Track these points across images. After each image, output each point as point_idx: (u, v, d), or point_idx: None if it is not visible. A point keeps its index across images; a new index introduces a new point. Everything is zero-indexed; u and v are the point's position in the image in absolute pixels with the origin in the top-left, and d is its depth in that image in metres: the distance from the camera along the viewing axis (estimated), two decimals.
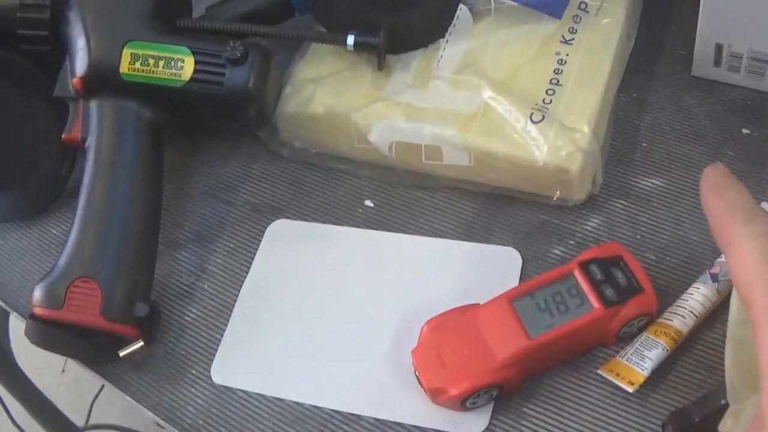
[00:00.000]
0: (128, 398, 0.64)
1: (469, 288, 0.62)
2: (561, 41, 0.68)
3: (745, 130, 0.68)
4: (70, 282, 0.62)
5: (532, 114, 0.64)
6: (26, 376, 1.19)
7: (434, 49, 0.70)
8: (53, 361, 1.60)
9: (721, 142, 0.67)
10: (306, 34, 0.71)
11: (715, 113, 0.69)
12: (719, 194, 0.42)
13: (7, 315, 1.09)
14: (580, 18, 0.69)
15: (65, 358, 1.10)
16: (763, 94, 0.69)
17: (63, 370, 1.68)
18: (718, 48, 0.68)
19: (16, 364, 1.17)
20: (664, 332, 0.56)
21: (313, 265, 0.67)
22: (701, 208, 0.62)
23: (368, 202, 0.70)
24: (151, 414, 0.63)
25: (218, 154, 0.77)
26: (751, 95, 0.70)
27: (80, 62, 0.68)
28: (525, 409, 0.58)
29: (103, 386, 1.55)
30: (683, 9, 0.76)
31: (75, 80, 0.68)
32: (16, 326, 0.68)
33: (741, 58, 0.67)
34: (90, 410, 1.56)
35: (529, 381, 0.58)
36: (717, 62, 0.69)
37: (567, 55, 0.67)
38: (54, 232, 0.74)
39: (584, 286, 0.57)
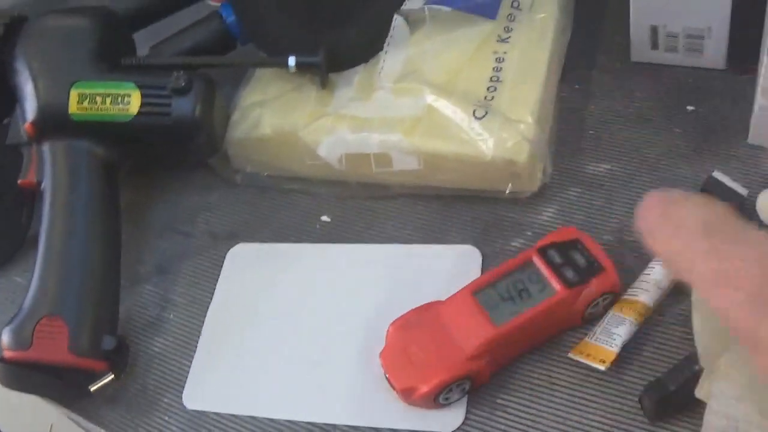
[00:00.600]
0: None
1: (433, 288, 0.61)
2: (498, 40, 0.68)
3: (689, 107, 0.68)
4: (36, 321, 0.61)
5: (474, 111, 0.63)
6: None
7: (374, 62, 0.70)
8: (39, 424, 1.57)
9: (667, 122, 0.67)
10: (248, 60, 0.72)
11: (659, 94, 0.69)
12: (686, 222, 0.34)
13: None
14: (515, 16, 0.70)
15: (51, 422, 1.08)
16: (702, 70, 0.69)
17: None
18: (653, 30, 0.68)
19: None
20: (631, 307, 0.55)
21: (276, 283, 0.66)
22: (655, 186, 0.63)
23: (325, 218, 0.70)
24: None
25: (174, 189, 0.76)
26: (692, 73, 0.70)
27: (30, 107, 0.68)
28: (499, 400, 0.56)
29: None
30: None
31: (27, 125, 0.68)
32: None
33: (677, 37, 0.68)
34: None
35: (501, 371, 0.57)
36: (654, 45, 0.69)
37: (505, 52, 0.67)
38: (19, 280, 0.74)
39: (544, 270, 0.57)
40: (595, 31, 0.75)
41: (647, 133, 0.67)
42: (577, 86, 0.72)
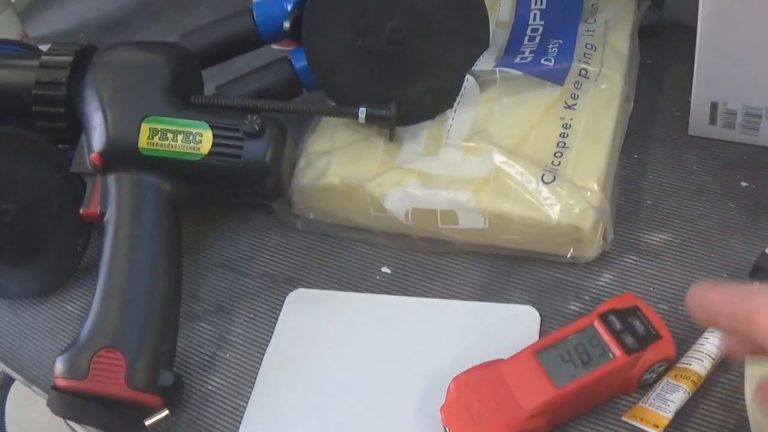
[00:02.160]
0: None
1: (491, 346, 0.67)
2: (564, 106, 0.75)
3: (743, 183, 0.75)
4: (94, 352, 0.66)
5: (543, 175, 0.70)
6: None
7: (443, 119, 0.77)
8: None
9: (722, 196, 0.75)
10: (319, 109, 0.78)
11: (714, 169, 0.77)
12: (711, 292, 0.50)
13: (3, 402, 1.13)
14: (581, 84, 0.77)
15: None
16: (758, 148, 0.77)
17: None
18: (713, 106, 0.75)
19: None
20: (684, 376, 0.62)
21: (335, 331, 0.72)
22: (708, 258, 0.70)
23: (385, 269, 0.76)
24: None
25: (231, 228, 0.82)
26: (747, 150, 0.77)
27: (98, 138, 0.73)
28: None
29: None
30: (676, 71, 0.85)
31: (93, 155, 0.73)
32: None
33: (735, 114, 0.75)
34: None
35: (556, 431, 0.63)
36: (712, 120, 0.77)
37: (571, 119, 0.74)
38: (69, 308, 0.79)
39: (605, 336, 0.63)
40: (655, 103, 0.83)
41: (702, 206, 0.75)
42: (635, 156, 0.79)
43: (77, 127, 0.77)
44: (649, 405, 0.62)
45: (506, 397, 0.62)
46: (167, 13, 1.14)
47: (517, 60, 0.79)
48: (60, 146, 0.81)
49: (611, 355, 0.62)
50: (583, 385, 0.61)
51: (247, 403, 0.69)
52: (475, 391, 0.63)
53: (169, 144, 0.73)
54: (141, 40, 1.06)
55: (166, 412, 0.67)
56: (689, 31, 0.73)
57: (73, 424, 0.76)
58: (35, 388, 0.74)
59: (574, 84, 0.77)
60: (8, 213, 0.77)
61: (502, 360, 0.64)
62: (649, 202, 0.76)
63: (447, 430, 0.63)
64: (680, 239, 0.73)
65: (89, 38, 0.83)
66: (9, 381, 1.07)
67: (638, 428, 0.61)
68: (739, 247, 0.71)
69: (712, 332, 0.64)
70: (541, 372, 0.62)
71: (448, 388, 0.64)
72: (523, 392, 0.62)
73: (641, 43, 0.85)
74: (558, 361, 0.63)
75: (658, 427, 0.60)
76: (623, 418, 0.62)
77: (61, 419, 0.69)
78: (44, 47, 0.81)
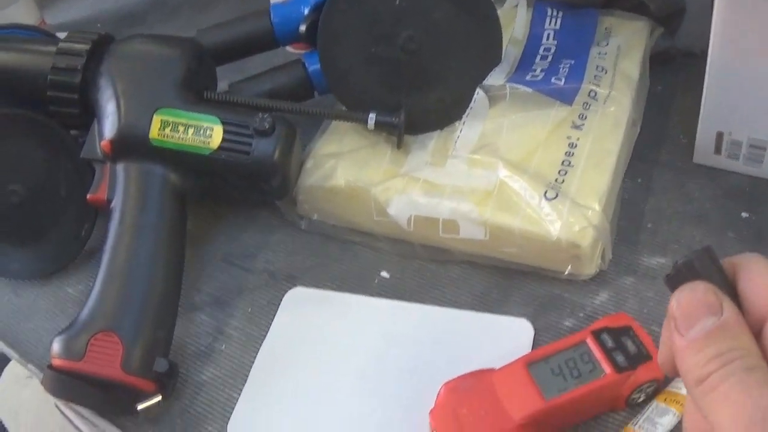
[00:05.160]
0: None
1: (484, 356, 0.69)
2: (572, 126, 0.78)
3: (744, 214, 0.77)
4: (91, 335, 0.69)
5: (546, 191, 0.72)
6: None
7: (451, 130, 0.80)
8: None
9: (722, 225, 0.77)
10: (329, 112, 0.81)
11: (716, 198, 0.79)
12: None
13: None
14: (590, 105, 0.79)
15: None
16: (760, 179, 0.79)
17: None
18: (719, 136, 0.78)
19: None
20: (674, 399, 0.64)
21: (330, 331, 0.75)
22: None
23: (384, 273, 0.78)
24: None
25: (236, 224, 0.85)
26: (750, 181, 0.80)
27: (110, 126, 0.76)
28: None
29: None
30: (685, 100, 0.87)
31: (104, 143, 0.76)
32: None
33: (740, 145, 0.77)
34: None
35: None
36: (717, 150, 0.79)
37: (578, 139, 0.77)
38: (70, 291, 0.82)
39: (596, 352, 0.65)
40: (661, 130, 0.86)
41: (702, 234, 0.77)
42: (639, 180, 0.81)
43: (89, 113, 0.79)
44: (639, 427, 0.63)
45: (495, 406, 0.64)
46: (184, 10, 1.17)
47: (527, 77, 0.81)
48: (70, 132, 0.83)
49: (601, 372, 0.64)
50: (571, 399, 0.63)
51: (239, 395, 0.71)
52: (465, 398, 0.65)
53: (179, 136, 0.75)
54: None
55: (159, 397, 0.70)
56: (700, 60, 0.75)
57: (62, 407, 0.79)
58: (30, 366, 0.77)
59: (583, 105, 0.79)
60: (16, 194, 0.80)
61: (494, 369, 0.66)
62: (649, 225, 0.78)
63: None
64: None
65: (105, 29, 0.86)
66: (2, 363, 1.10)
67: None
68: None
69: None
70: (530, 383, 0.64)
71: (439, 392, 0.66)
72: (512, 402, 0.64)
73: (652, 70, 0.87)
74: (548, 374, 0.64)
75: None
76: None
77: (50, 403, 0.71)
78: (61, 35, 0.83)
